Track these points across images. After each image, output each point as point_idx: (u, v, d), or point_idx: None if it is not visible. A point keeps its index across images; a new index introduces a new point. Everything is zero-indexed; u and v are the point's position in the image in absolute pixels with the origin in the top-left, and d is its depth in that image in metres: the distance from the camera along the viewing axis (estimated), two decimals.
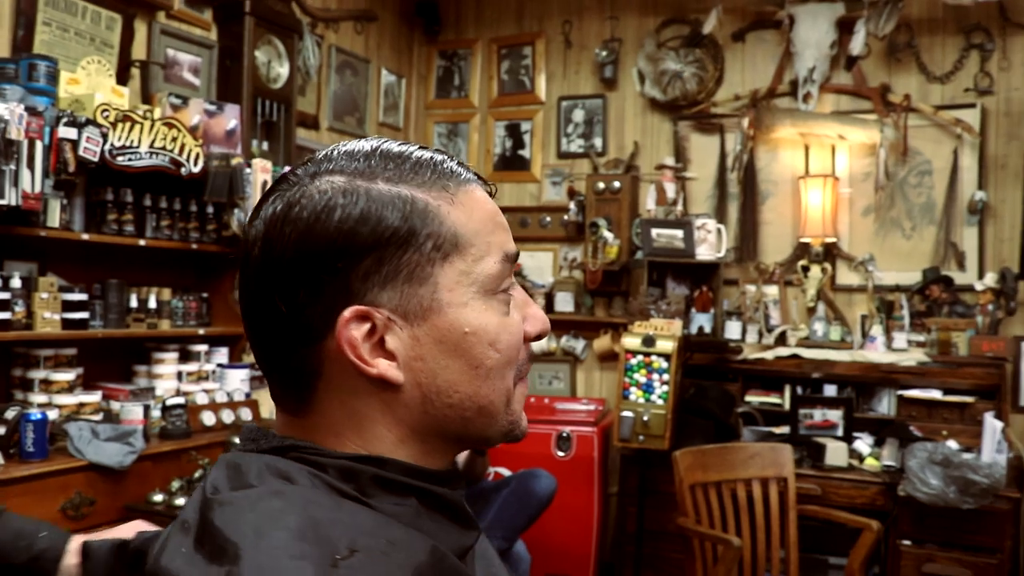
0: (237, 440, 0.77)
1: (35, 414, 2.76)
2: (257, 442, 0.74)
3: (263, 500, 0.64)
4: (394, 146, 0.75)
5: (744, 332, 4.47)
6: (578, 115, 5.08)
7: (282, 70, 4.14)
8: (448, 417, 0.74)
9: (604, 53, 4.92)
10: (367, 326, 0.70)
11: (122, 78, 3.44)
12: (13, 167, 2.67)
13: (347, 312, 0.70)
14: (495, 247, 0.75)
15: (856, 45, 4.32)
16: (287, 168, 0.76)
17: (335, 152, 0.75)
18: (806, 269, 4.49)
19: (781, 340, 4.44)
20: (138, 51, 3.56)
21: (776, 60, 4.65)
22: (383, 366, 0.71)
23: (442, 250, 0.72)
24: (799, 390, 4.23)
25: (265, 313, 0.72)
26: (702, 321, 4.40)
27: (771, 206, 4.66)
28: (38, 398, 2.99)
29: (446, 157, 0.76)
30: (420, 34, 5.44)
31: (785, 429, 4.11)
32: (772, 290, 4.56)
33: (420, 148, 0.75)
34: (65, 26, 3.26)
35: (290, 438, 0.73)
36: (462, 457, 3.53)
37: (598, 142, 5.02)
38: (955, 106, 4.34)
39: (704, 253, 4.42)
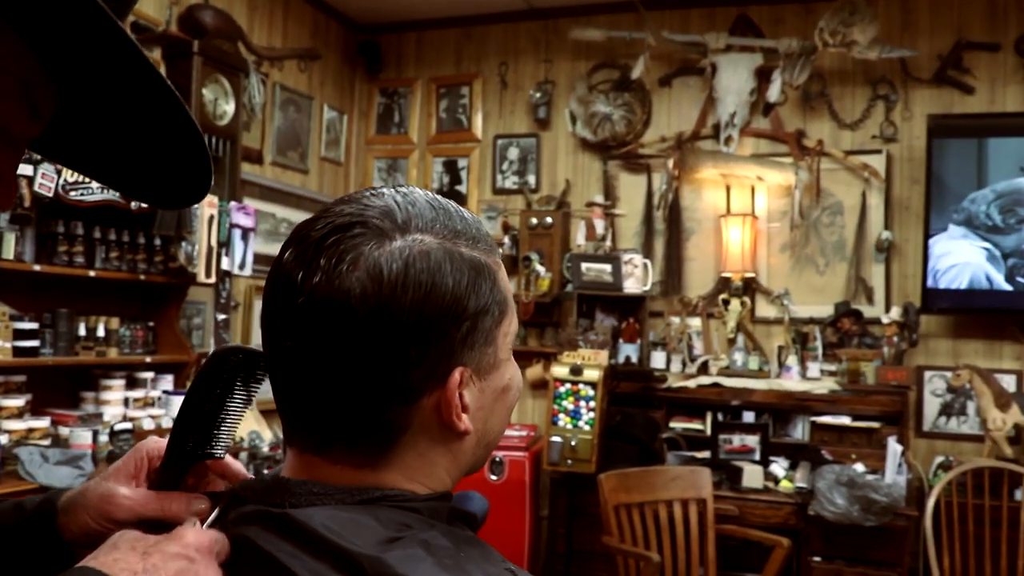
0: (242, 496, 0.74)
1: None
2: (299, 495, 0.74)
3: (415, 551, 0.70)
4: (445, 204, 0.78)
5: (669, 361, 4.72)
6: (513, 153, 5.31)
7: (228, 107, 4.28)
8: (481, 457, 0.83)
9: (538, 94, 5.17)
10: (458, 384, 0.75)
11: None
12: None
13: (456, 374, 0.74)
14: (514, 307, 0.83)
15: (773, 93, 4.63)
16: (338, 202, 0.76)
17: (400, 204, 0.75)
18: (727, 302, 4.76)
19: (703, 369, 4.68)
20: None
21: (700, 105, 4.94)
22: (467, 420, 0.76)
23: (502, 314, 0.78)
24: (720, 417, 4.47)
25: (362, 372, 0.72)
26: (629, 351, 4.63)
27: (695, 243, 4.93)
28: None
29: (478, 219, 0.82)
30: (362, 72, 5.64)
31: (707, 454, 4.34)
32: (695, 322, 4.82)
33: (457, 206, 0.80)
34: None
35: (372, 488, 0.75)
36: None
37: (532, 179, 5.25)
38: (864, 151, 4.67)
39: (631, 286, 4.66)
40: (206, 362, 0.82)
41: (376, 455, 0.75)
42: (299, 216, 5.08)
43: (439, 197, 0.79)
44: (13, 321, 3.16)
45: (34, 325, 3.23)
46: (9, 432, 3.08)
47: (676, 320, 4.80)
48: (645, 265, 4.71)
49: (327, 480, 0.75)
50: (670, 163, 4.83)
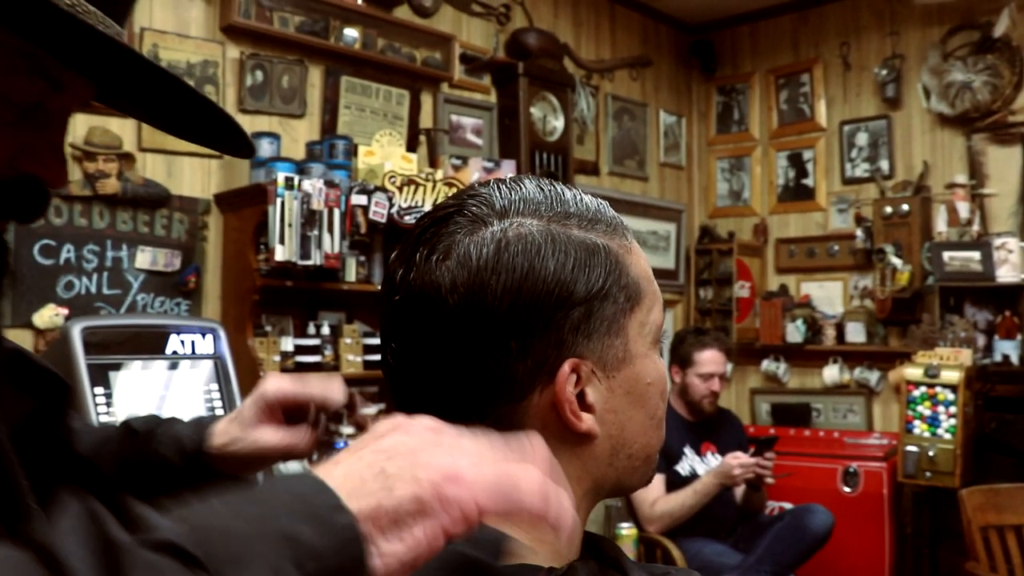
0: None
1: (341, 443, 3.19)
2: None
3: None
4: (561, 189, 0.73)
5: None
6: (861, 138, 4.90)
7: (557, 123, 4.42)
8: (624, 469, 0.73)
9: (885, 72, 4.72)
10: (574, 379, 0.68)
11: (411, 146, 3.87)
12: (316, 232, 3.13)
13: (566, 366, 0.67)
14: (658, 297, 0.75)
15: None
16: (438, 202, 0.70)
17: (502, 191, 0.71)
18: None
19: None
20: (425, 120, 4.00)
21: None
22: (589, 421, 0.69)
23: (631, 301, 0.71)
24: None
25: (460, 367, 0.67)
26: (1007, 349, 4.05)
27: None
28: (347, 430, 3.43)
29: (604, 203, 0.75)
30: (697, 73, 5.53)
31: None
32: None
33: (579, 191, 0.74)
34: (362, 107, 3.76)
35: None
36: (738, 491, 3.54)
37: (884, 165, 4.80)
38: None
39: (1006, 274, 4.08)
40: None
41: None
42: (641, 224, 5.10)
43: (556, 183, 0.73)
44: (364, 337, 3.50)
45: None
46: None
47: None
48: (1023, 249, 4.09)
49: None
50: None
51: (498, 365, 0.66)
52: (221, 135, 0.80)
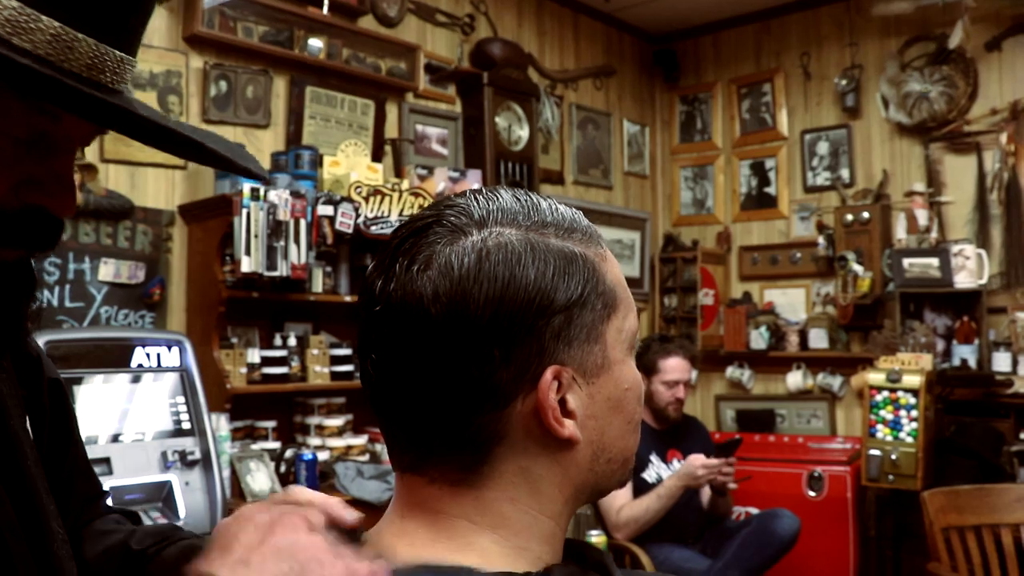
0: None
1: (307, 455, 3.17)
2: None
3: None
4: (537, 199, 0.74)
5: (1015, 364, 4.12)
6: (822, 147, 4.97)
7: (522, 132, 4.44)
8: (604, 473, 0.74)
9: (844, 82, 4.79)
10: (556, 386, 0.68)
11: (377, 156, 3.87)
12: (283, 243, 3.12)
13: (548, 373, 0.68)
14: (632, 303, 0.76)
15: None
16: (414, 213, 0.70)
17: (479, 201, 0.71)
18: None
19: None
20: (391, 130, 4.00)
21: None
22: (571, 427, 0.69)
23: (607, 308, 0.72)
24: None
25: (443, 375, 0.67)
26: (965, 353, 4.12)
27: None
28: (313, 441, 3.41)
29: (578, 212, 0.76)
30: (660, 82, 5.58)
31: None
32: None
33: (553, 201, 0.75)
34: (327, 117, 3.75)
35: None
36: (704, 497, 3.57)
37: (845, 173, 4.87)
38: None
39: (963, 281, 4.16)
40: None
41: (471, 469, 0.69)
42: (606, 233, 5.13)
43: (532, 193, 0.74)
44: (331, 348, 3.48)
45: (349, 351, 3.53)
46: (331, 449, 3.39)
47: (1022, 316, 4.19)
48: (979, 256, 4.18)
49: (422, 504, 0.71)
50: (1003, 138, 4.25)
51: (481, 373, 0.67)
52: (231, 160, 0.80)
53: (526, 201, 0.72)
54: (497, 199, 0.72)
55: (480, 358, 0.66)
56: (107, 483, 2.47)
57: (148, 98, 3.24)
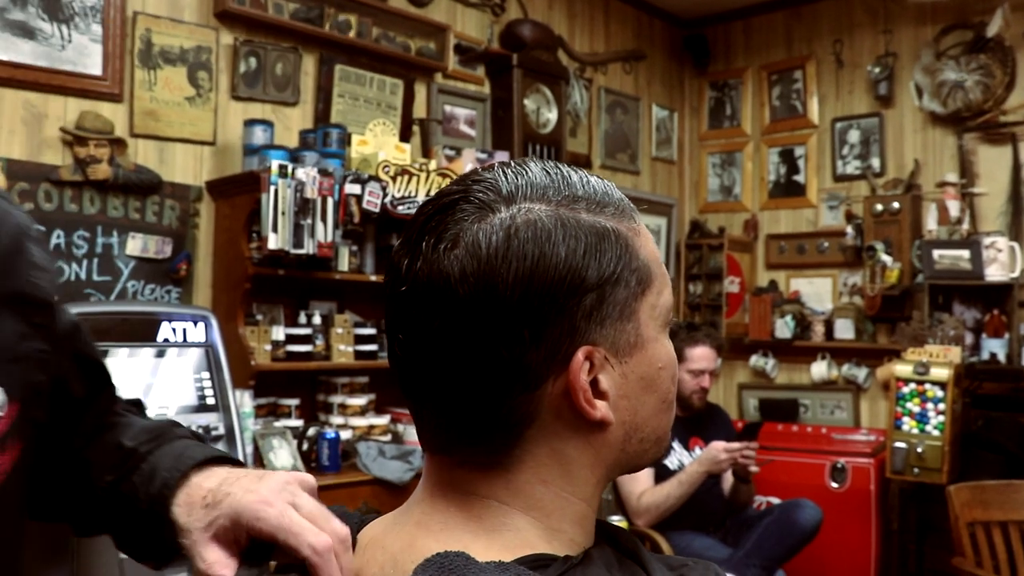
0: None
1: (330, 433, 3.18)
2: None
3: None
4: (567, 172, 0.71)
5: None
6: (853, 136, 4.91)
7: (551, 115, 4.41)
8: (637, 452, 0.72)
9: (878, 69, 4.73)
10: (587, 366, 0.67)
11: (405, 136, 3.85)
12: (309, 221, 3.11)
13: (580, 354, 0.66)
14: (667, 279, 0.73)
15: None
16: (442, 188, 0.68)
17: (508, 176, 0.69)
18: None
19: None
20: (419, 110, 3.98)
21: None
22: (603, 408, 0.68)
23: (641, 284, 0.69)
24: None
25: (472, 357, 0.65)
26: (994, 347, 4.06)
27: None
28: (336, 420, 3.42)
29: (611, 184, 0.74)
30: (690, 67, 5.53)
31: None
32: None
33: (585, 173, 0.72)
34: (356, 96, 3.74)
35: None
36: (726, 485, 3.55)
37: (875, 162, 4.81)
38: None
39: (995, 274, 4.09)
40: None
41: (502, 451, 0.68)
42: None
43: (561, 164, 0.72)
44: (356, 327, 3.48)
45: (374, 331, 3.53)
46: (353, 428, 3.40)
47: None
48: (1012, 248, 4.11)
49: (453, 486, 0.70)
50: None
51: (511, 355, 0.65)
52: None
53: (556, 174, 0.70)
54: (526, 173, 0.69)
55: (510, 339, 0.64)
56: None
57: (178, 74, 3.25)
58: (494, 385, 0.66)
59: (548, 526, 0.69)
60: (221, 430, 2.70)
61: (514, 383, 0.66)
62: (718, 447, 3.28)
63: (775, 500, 4.06)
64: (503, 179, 0.68)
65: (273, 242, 3.01)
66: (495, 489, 0.69)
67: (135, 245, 3.14)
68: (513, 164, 0.71)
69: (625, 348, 0.69)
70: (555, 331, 0.65)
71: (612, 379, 0.69)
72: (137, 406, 1.01)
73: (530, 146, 4.24)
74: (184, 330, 2.77)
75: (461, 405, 0.67)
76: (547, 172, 0.70)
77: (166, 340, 2.73)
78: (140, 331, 2.70)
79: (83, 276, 3.02)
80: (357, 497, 3.14)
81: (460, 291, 0.64)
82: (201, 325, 2.81)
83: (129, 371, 2.63)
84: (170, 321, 2.75)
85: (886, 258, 4.39)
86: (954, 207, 4.31)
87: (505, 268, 0.64)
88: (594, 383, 0.68)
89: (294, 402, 3.33)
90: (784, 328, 4.87)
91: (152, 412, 2.59)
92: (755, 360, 5.10)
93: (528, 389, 0.66)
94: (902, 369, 3.63)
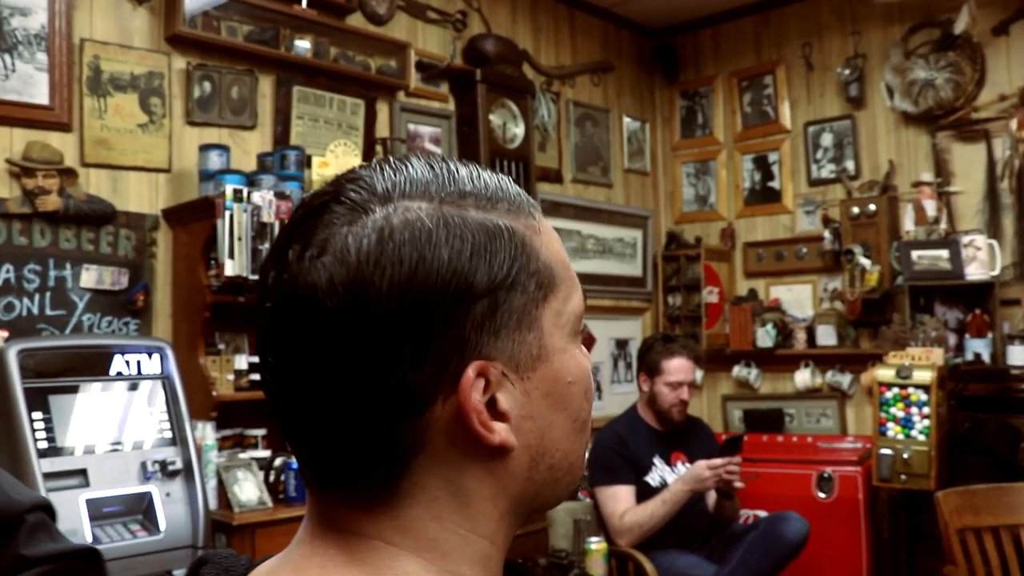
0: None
1: (295, 463, 3.08)
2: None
3: None
4: (455, 166, 0.63)
5: None
6: (826, 139, 4.86)
7: (518, 130, 4.34)
8: (546, 481, 0.64)
9: (848, 71, 4.68)
10: (482, 384, 0.59)
11: (368, 156, 3.77)
12: (267, 245, 3.02)
13: (471, 370, 0.58)
14: (576, 282, 0.66)
15: None
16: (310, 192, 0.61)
17: (384, 172, 0.61)
18: None
19: None
20: (382, 129, 3.91)
21: None
22: (503, 432, 0.60)
23: (543, 289, 0.62)
24: None
25: (347, 379, 0.57)
26: (978, 347, 4.00)
27: None
28: None
29: (506, 178, 0.66)
30: (660, 77, 5.48)
31: None
32: None
33: (476, 167, 0.64)
34: (316, 117, 3.66)
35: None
36: (711, 501, 3.46)
37: (850, 165, 4.76)
38: None
39: (975, 272, 4.04)
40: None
41: (388, 484, 0.59)
42: (607, 231, 5.04)
43: (448, 158, 0.64)
44: None
45: None
46: None
47: None
48: (991, 246, 4.06)
49: (338, 525, 0.61)
50: (1013, 124, 4.12)
51: (390, 375, 0.56)
52: None
53: (441, 169, 0.62)
54: (406, 168, 0.61)
55: (388, 356, 0.56)
56: (84, 495, 2.40)
57: (129, 100, 3.16)
58: (373, 410, 0.57)
59: (443, 568, 0.60)
60: (179, 464, 2.59)
61: (396, 407, 0.57)
62: (701, 465, 3.21)
63: (762, 513, 3.96)
64: (379, 176, 0.60)
65: (230, 268, 2.92)
66: (381, 528, 0.60)
67: (89, 277, 3.04)
68: (393, 159, 0.63)
69: (526, 362, 0.61)
70: (441, 345, 0.57)
71: (512, 397, 0.60)
72: None
73: (497, 162, 4.17)
74: (139, 362, 2.67)
75: (338, 434, 0.58)
76: (431, 167, 0.62)
77: (119, 373, 2.63)
78: (92, 365, 2.60)
79: (35, 311, 2.92)
80: None
81: (328, 303, 0.56)
82: (156, 357, 2.71)
83: (82, 407, 2.53)
84: (123, 354, 2.65)
85: (865, 261, 4.33)
86: (931, 207, 4.26)
87: (379, 275, 0.56)
88: (491, 403, 0.59)
89: (260, 432, 3.23)
90: (765, 337, 4.79)
91: (106, 448, 2.49)
92: (738, 371, 5.02)
93: (413, 413, 0.58)
94: (884, 373, 3.56)
